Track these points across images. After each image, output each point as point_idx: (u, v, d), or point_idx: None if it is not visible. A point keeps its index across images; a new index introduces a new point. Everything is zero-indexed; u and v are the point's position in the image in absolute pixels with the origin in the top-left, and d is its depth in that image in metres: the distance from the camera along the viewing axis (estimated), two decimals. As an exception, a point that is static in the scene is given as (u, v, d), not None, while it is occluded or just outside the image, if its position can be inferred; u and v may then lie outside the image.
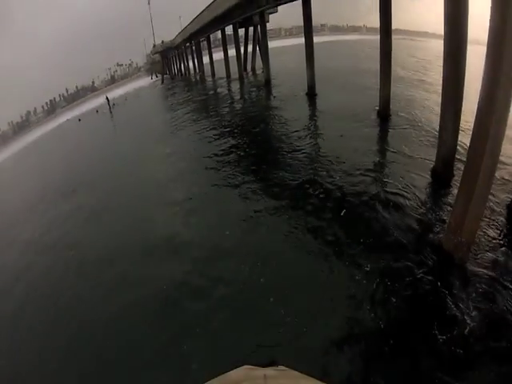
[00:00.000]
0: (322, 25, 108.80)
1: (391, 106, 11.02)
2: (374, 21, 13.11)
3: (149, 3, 58.05)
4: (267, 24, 22.51)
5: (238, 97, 22.23)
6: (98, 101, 51.47)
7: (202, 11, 29.80)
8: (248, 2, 19.41)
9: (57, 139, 35.94)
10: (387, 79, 10.63)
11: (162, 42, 54.16)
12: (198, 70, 42.19)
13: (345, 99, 13.51)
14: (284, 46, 51.48)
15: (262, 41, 23.07)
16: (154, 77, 65.76)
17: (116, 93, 56.52)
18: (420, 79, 16.33)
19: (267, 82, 21.57)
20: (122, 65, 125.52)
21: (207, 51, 36.90)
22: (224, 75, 30.73)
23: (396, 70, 12.88)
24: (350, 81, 17.21)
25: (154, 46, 55.78)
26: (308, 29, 15.56)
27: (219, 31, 30.67)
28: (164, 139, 14.72)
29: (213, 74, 36.15)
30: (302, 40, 15.98)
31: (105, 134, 22.97)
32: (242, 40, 29.80)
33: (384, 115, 10.95)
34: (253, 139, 11.28)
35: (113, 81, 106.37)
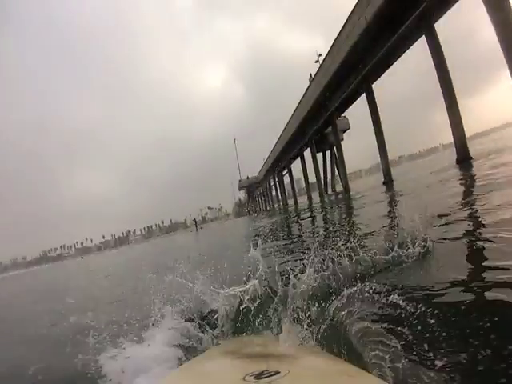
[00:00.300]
0: (399, 157, 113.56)
1: None
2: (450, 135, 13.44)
3: (234, 142, 67.66)
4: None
5: (320, 213, 22.70)
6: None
7: (280, 136, 33.87)
8: (318, 109, 22.09)
9: (153, 245, 39.96)
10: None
11: (248, 177, 60.94)
12: (281, 202, 45.69)
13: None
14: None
15: (338, 157, 25.02)
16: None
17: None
18: None
19: (346, 194, 22.24)
20: (212, 208, 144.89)
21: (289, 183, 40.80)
22: (307, 202, 32.71)
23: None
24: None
25: (240, 180, 62.90)
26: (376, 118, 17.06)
27: (299, 160, 34.14)
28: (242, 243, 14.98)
29: (295, 202, 38.75)
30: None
31: (190, 239, 24.74)
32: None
33: None
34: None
35: (203, 221, 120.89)
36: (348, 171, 24.87)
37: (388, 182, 17.25)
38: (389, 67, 18.14)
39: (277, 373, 1.04)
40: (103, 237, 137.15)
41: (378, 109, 18.25)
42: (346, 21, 15.78)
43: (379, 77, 18.70)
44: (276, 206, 50.12)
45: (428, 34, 13.59)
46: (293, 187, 40.32)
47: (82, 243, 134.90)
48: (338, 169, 28.43)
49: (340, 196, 23.83)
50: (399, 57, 17.24)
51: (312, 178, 30.82)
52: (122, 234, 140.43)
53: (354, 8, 14.84)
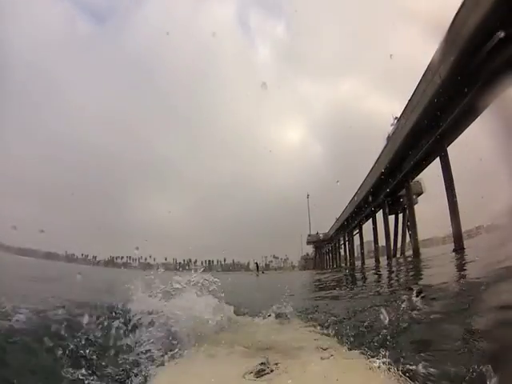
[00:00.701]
0: (477, 227, 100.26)
1: None
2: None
3: (307, 197, 68.31)
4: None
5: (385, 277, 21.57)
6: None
7: (353, 196, 33.44)
8: (391, 171, 21.75)
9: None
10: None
11: (317, 232, 60.32)
12: (348, 261, 44.07)
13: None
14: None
15: (410, 221, 23.88)
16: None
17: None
18: None
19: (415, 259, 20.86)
20: (277, 257, 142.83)
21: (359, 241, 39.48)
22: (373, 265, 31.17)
23: None
24: None
25: (309, 235, 62.43)
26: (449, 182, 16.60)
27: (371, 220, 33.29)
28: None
29: (363, 263, 37.14)
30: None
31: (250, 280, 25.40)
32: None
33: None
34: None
35: (267, 268, 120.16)
36: (422, 237, 23.50)
37: (457, 249, 15.99)
38: (466, 127, 17.45)
39: (276, 369, 1.09)
40: (165, 259, 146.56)
41: (453, 173, 17.56)
42: (420, 80, 16.16)
43: (456, 138, 18.10)
44: (343, 265, 48.27)
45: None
46: (362, 248, 38.86)
47: (145, 259, 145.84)
48: (409, 232, 26.94)
49: (408, 259, 22.45)
50: (478, 115, 16.49)
51: (383, 241, 29.84)
52: (184, 260, 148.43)
53: (429, 66, 15.14)
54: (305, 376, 1.18)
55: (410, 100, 17.75)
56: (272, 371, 1.12)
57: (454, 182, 17.31)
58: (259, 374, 1.17)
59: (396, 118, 23.33)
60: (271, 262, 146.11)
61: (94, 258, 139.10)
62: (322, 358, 1.41)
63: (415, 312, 3.27)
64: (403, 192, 24.49)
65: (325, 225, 56.51)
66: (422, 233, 25.73)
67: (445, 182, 17.71)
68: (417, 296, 3.43)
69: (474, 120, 16.61)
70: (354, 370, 1.22)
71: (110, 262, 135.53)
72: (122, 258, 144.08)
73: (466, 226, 18.04)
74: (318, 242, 61.34)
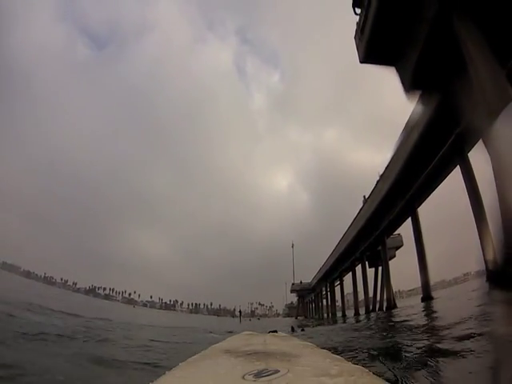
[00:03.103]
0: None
1: None
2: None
3: (292, 246, 69.83)
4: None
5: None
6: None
7: (334, 248, 35.06)
8: (368, 228, 23.33)
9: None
10: None
11: (301, 282, 60.75)
12: (329, 311, 44.53)
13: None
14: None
15: (385, 274, 25.21)
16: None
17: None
18: None
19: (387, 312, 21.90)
20: (263, 305, 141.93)
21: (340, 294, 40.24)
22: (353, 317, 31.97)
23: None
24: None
25: (293, 284, 62.81)
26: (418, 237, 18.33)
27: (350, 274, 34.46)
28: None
29: (343, 314, 37.76)
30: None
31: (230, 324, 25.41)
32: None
33: None
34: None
35: (252, 315, 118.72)
36: (406, 287, 24.85)
37: (426, 299, 17.34)
38: (430, 193, 19.58)
39: (276, 371, 1.06)
40: (151, 297, 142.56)
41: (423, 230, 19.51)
42: (394, 152, 18.34)
43: (423, 201, 20.14)
44: (325, 315, 48.43)
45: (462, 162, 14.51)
46: (342, 300, 39.70)
47: (129, 294, 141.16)
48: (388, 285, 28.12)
49: (380, 313, 23.58)
50: (440, 182, 18.58)
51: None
52: (170, 301, 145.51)
53: (396, 151, 17.46)
54: (305, 376, 1.16)
55: (387, 167, 19.81)
56: (272, 373, 1.12)
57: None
58: (259, 375, 1.14)
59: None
60: (256, 308, 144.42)
61: (74, 284, 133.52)
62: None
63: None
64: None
65: (309, 273, 57.18)
66: (405, 284, 26.81)
67: (414, 237, 19.71)
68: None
69: (438, 185, 18.87)
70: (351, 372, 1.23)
71: (92, 291, 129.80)
72: (105, 289, 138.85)
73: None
74: (301, 291, 61.63)
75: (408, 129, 15.38)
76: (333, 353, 1.75)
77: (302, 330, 16.29)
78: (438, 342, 4.77)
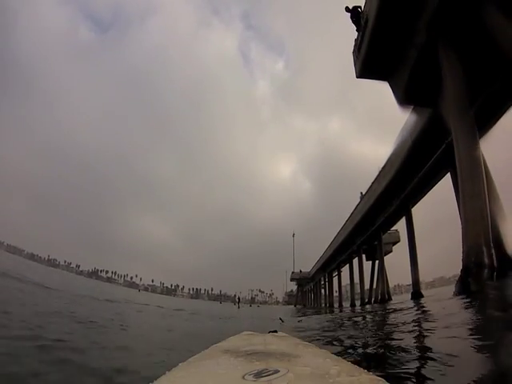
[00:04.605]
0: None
1: None
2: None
3: (293, 236, 71.44)
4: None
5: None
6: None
7: (332, 240, 36.29)
8: (365, 224, 24.40)
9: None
10: None
11: (300, 271, 62.39)
12: (327, 301, 45.93)
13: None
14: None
15: (380, 269, 26.34)
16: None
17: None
18: None
19: (383, 304, 23.11)
20: (263, 292, 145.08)
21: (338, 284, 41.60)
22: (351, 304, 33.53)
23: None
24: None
25: (293, 272, 64.40)
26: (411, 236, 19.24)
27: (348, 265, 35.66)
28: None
29: (340, 304, 39.26)
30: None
31: (231, 310, 26.76)
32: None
33: None
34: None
35: (252, 301, 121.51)
36: (405, 282, 25.87)
37: (415, 296, 18.32)
38: (424, 194, 20.57)
39: (276, 372, 1.06)
40: (152, 280, 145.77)
41: (423, 228, 20.52)
42: (389, 157, 19.22)
43: (417, 202, 21.11)
44: (323, 305, 49.92)
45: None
46: (340, 292, 41.01)
47: (131, 277, 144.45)
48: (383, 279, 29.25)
49: (376, 305, 24.73)
50: (432, 187, 19.61)
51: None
52: (171, 285, 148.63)
53: (391, 155, 18.34)
54: (305, 376, 1.09)
55: (382, 168, 20.68)
56: (272, 373, 1.06)
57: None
58: (259, 375, 1.06)
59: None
60: (256, 295, 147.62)
61: (78, 266, 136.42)
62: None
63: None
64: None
65: (310, 261, 58.37)
66: (405, 278, 27.74)
67: (407, 236, 20.75)
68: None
69: (432, 187, 19.77)
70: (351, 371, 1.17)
71: (94, 274, 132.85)
72: (107, 272, 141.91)
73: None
74: (300, 280, 63.09)
75: (403, 135, 16.21)
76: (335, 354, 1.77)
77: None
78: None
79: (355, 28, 12.01)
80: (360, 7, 11.37)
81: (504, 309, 5.39)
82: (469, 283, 7.41)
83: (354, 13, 11.68)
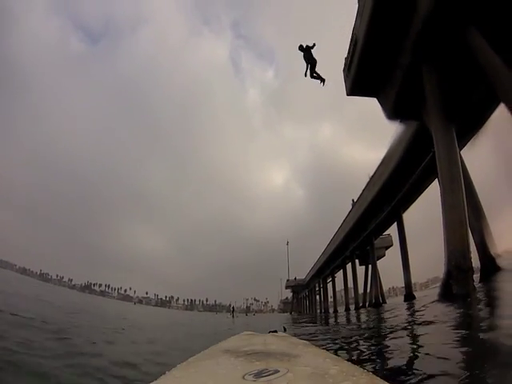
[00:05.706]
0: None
1: None
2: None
3: (287, 244, 71.88)
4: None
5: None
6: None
7: (326, 247, 36.96)
8: (357, 230, 25.15)
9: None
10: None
11: (295, 278, 62.91)
12: (322, 307, 46.61)
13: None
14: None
15: (372, 273, 27.07)
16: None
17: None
18: None
19: (375, 308, 23.77)
20: (258, 300, 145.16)
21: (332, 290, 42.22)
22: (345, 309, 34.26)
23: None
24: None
25: (288, 280, 64.91)
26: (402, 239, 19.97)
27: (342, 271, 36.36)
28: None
29: (335, 310, 39.95)
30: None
31: (224, 322, 26.62)
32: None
33: None
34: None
35: (247, 310, 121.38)
36: (399, 285, 26.55)
37: (407, 298, 19.05)
38: (414, 200, 21.32)
39: (276, 372, 1.06)
40: (146, 293, 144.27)
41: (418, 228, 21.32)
42: (378, 166, 19.99)
43: (408, 207, 21.89)
44: (318, 311, 50.51)
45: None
46: (334, 297, 41.68)
47: (125, 290, 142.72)
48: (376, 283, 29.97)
49: (370, 309, 25.38)
50: (421, 192, 20.28)
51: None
52: (165, 297, 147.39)
53: (383, 160, 19.07)
54: (305, 376, 1.10)
55: (372, 177, 21.44)
56: (272, 373, 1.08)
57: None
58: (259, 375, 1.06)
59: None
60: (252, 304, 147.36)
61: (70, 280, 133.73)
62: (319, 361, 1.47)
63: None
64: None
65: (304, 269, 58.83)
66: (398, 281, 28.38)
67: (399, 240, 21.54)
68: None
69: (422, 192, 20.54)
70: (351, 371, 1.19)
71: (87, 288, 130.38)
72: (100, 285, 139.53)
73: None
74: (295, 287, 63.58)
75: (392, 145, 16.97)
76: (333, 353, 1.75)
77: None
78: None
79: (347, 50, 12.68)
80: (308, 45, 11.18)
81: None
82: (451, 286, 8.08)
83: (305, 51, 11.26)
